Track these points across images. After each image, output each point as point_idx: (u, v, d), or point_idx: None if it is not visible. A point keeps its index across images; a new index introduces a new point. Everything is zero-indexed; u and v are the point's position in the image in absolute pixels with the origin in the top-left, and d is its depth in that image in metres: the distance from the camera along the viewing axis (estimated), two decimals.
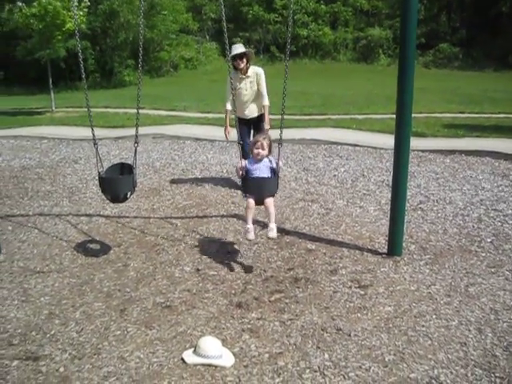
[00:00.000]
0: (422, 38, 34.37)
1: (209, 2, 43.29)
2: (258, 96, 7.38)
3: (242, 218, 6.43)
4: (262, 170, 4.92)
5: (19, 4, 17.19)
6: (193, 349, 3.70)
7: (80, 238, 6.02)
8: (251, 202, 4.90)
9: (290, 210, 6.80)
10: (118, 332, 4.04)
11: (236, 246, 5.68)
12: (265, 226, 6.19)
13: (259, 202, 4.93)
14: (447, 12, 40.26)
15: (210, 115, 15.06)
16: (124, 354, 3.73)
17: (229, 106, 7.44)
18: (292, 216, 6.57)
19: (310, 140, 10.93)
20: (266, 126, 7.27)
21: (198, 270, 5.14)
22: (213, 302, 4.49)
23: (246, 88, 7.31)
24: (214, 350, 3.60)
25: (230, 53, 6.83)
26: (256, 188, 4.91)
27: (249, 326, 4.07)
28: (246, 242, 5.72)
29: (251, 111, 7.47)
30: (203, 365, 3.56)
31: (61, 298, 4.63)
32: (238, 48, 7.19)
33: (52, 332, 4.08)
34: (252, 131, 7.57)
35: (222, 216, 6.62)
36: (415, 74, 4.90)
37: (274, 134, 5.51)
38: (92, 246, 5.84)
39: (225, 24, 4.73)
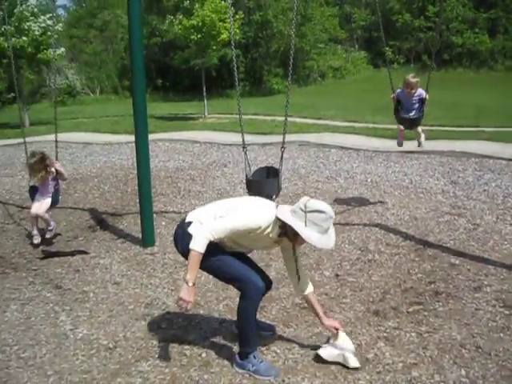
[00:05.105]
0: None
1: (358, 10, 43.02)
2: None
3: (384, 228, 6.42)
4: (412, 103, 6.68)
5: (180, 17, 18.49)
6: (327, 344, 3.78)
7: None
8: (401, 127, 6.93)
9: (435, 222, 6.63)
10: None
11: (377, 255, 5.66)
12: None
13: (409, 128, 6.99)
14: None
15: (357, 124, 15.00)
16: (261, 348, 3.88)
17: None
18: (436, 229, 6.41)
19: (459, 152, 10.53)
20: None
21: (338, 275, 5.21)
22: (350, 307, 4.53)
23: None
24: (348, 345, 3.66)
25: None
26: (407, 123, 6.89)
27: (385, 334, 4.07)
28: (386, 252, 5.70)
29: None
30: (335, 356, 3.62)
31: (206, 290, 4.92)
32: None
33: (196, 320, 4.37)
34: None
35: (365, 225, 6.62)
36: None
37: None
38: None
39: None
